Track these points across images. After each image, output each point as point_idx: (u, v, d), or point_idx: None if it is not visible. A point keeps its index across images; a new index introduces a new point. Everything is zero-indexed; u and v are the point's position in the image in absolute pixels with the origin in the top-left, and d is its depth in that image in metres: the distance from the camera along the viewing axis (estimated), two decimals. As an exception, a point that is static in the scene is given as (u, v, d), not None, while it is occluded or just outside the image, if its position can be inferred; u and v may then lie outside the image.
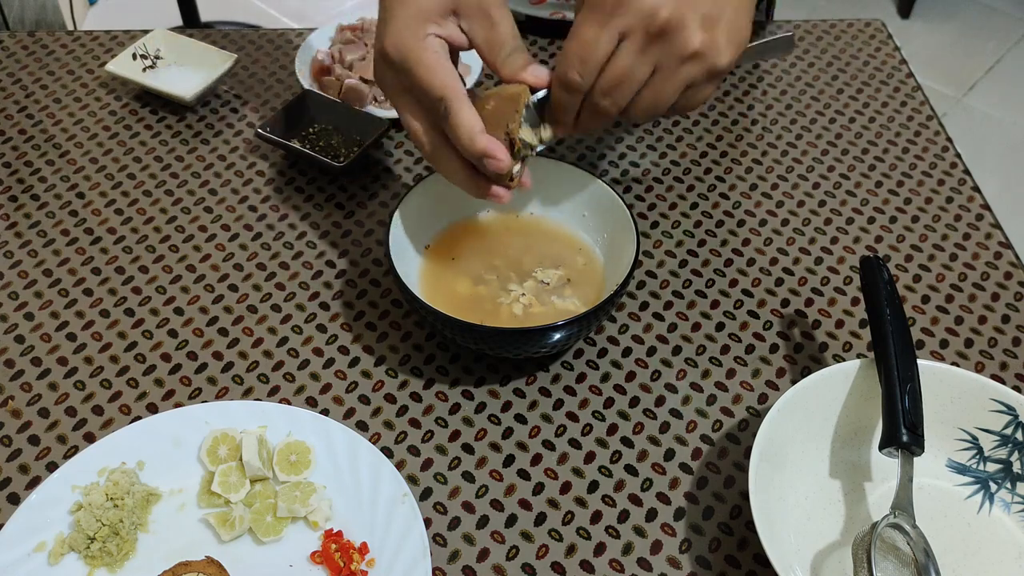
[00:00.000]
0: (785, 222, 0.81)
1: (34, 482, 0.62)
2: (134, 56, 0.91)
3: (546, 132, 0.63)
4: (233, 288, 0.74)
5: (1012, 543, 0.60)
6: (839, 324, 0.73)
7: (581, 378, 0.69)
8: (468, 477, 0.63)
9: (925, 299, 0.75)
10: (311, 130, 0.85)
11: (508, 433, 0.66)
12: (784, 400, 0.60)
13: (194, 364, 0.69)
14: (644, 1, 0.55)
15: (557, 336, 0.63)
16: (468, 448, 0.65)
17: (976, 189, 0.85)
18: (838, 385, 0.63)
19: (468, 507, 0.62)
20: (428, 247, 0.72)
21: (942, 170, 0.87)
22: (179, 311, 0.72)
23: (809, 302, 0.75)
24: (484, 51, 0.62)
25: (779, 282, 0.76)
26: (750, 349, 0.71)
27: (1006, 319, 0.74)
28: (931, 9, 2.70)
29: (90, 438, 0.64)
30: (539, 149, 0.64)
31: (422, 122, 0.62)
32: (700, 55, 0.56)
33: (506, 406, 0.67)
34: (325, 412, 0.66)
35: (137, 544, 0.59)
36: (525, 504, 0.62)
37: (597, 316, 0.64)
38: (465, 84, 0.93)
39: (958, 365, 0.70)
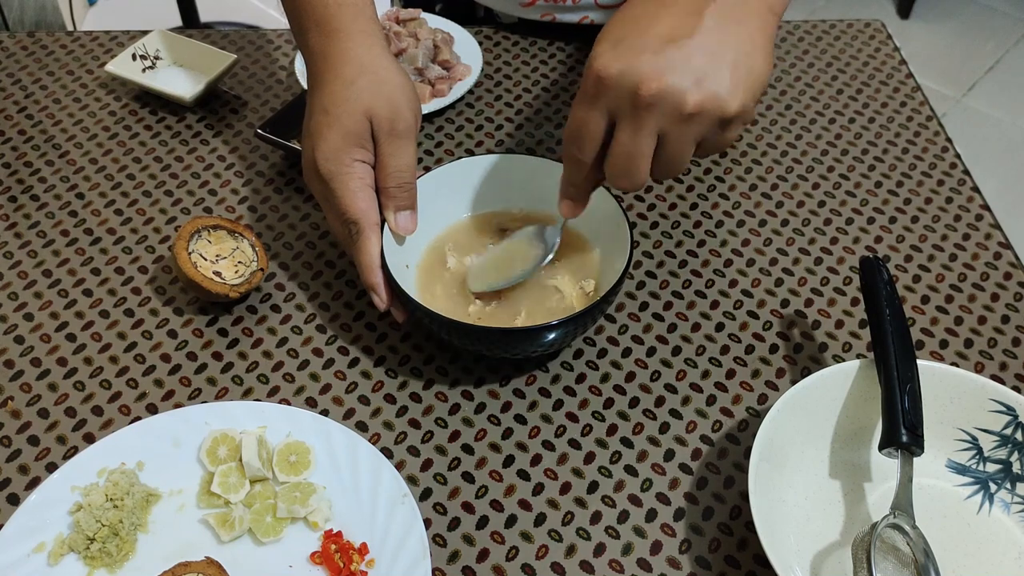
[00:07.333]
0: (785, 222, 0.81)
1: (34, 483, 0.62)
2: (134, 56, 0.91)
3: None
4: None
5: (1012, 543, 0.60)
6: (839, 324, 0.73)
7: (581, 378, 0.69)
8: (468, 478, 0.63)
9: (925, 299, 0.75)
10: (311, 130, 0.85)
11: (508, 433, 0.66)
12: (784, 400, 0.60)
13: (194, 364, 0.69)
14: (625, 80, 0.53)
15: (552, 336, 0.63)
16: (468, 448, 0.65)
17: (976, 189, 0.85)
18: (838, 385, 0.63)
19: (468, 508, 0.62)
20: (425, 247, 0.72)
21: (942, 170, 0.86)
22: (179, 311, 0.72)
23: (809, 302, 0.75)
24: (377, 170, 0.67)
25: (779, 282, 0.76)
26: (750, 349, 0.71)
27: (1006, 319, 0.74)
28: (931, 9, 2.70)
29: (90, 439, 0.64)
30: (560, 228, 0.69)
31: (340, 231, 0.68)
32: (698, 114, 0.53)
33: (506, 407, 0.67)
34: (325, 412, 0.66)
35: (137, 545, 0.59)
36: (525, 504, 0.62)
37: (592, 315, 0.64)
38: (464, 84, 0.93)
39: (958, 365, 0.70)
